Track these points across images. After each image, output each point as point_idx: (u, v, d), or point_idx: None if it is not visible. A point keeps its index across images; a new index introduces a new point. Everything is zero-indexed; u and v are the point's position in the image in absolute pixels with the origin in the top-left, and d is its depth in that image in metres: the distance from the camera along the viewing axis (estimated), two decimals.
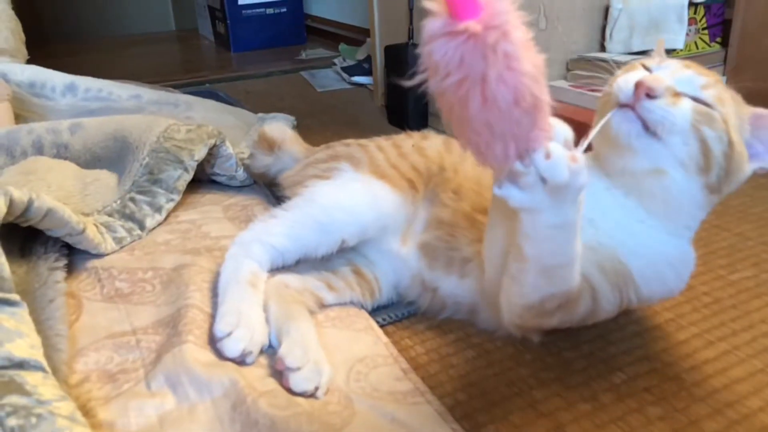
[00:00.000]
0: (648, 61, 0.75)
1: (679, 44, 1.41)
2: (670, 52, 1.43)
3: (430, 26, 0.49)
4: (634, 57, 1.43)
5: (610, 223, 0.73)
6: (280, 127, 1.16)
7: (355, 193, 0.85)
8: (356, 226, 0.83)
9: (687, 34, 1.41)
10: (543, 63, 0.51)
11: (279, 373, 0.70)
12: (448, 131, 0.57)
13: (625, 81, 0.70)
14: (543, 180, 0.56)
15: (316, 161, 0.97)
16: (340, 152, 0.96)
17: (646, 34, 1.45)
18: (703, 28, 1.46)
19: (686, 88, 0.69)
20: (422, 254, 0.86)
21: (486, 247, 0.75)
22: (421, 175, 0.90)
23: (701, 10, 1.43)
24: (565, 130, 0.57)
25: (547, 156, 0.54)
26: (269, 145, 1.12)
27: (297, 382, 0.68)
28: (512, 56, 0.48)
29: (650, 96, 0.67)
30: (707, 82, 0.70)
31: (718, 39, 1.48)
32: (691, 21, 1.42)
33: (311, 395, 0.67)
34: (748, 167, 0.72)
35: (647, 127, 0.68)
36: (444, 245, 0.84)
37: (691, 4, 1.40)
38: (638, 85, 0.68)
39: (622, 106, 0.69)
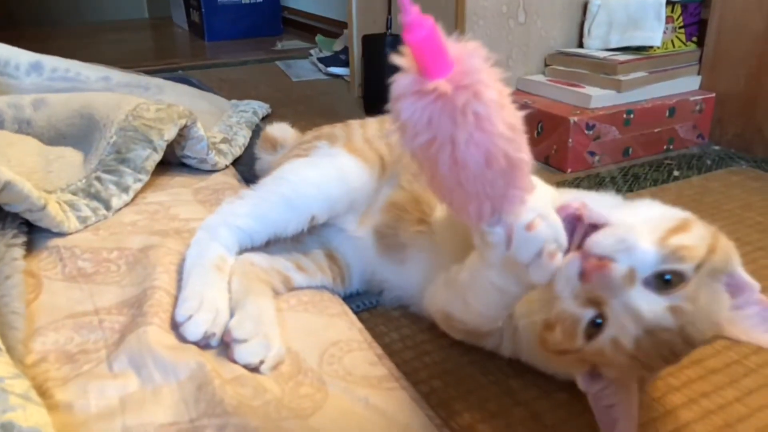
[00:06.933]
0: None
1: (657, 42, 1.41)
2: (647, 49, 1.44)
3: (399, 83, 0.47)
4: (612, 53, 1.44)
5: None
6: (281, 127, 1.15)
7: (324, 167, 0.83)
8: (325, 201, 0.81)
9: (664, 32, 1.42)
10: (521, 120, 0.49)
11: (227, 346, 0.68)
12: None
13: None
14: (507, 243, 0.53)
15: (301, 143, 0.95)
16: (323, 132, 0.94)
17: (624, 30, 1.46)
18: (680, 27, 1.46)
19: None
20: (375, 239, 0.84)
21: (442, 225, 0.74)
22: (393, 152, 0.88)
23: (678, 9, 1.44)
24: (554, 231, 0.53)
25: (529, 228, 0.52)
26: (272, 144, 1.11)
27: (241, 354, 0.66)
28: (483, 117, 0.46)
29: None
30: None
31: (694, 38, 1.49)
32: (668, 19, 1.42)
33: (255, 369, 0.65)
34: None
35: None
36: (390, 231, 0.82)
37: (668, 2, 1.40)
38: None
39: None
